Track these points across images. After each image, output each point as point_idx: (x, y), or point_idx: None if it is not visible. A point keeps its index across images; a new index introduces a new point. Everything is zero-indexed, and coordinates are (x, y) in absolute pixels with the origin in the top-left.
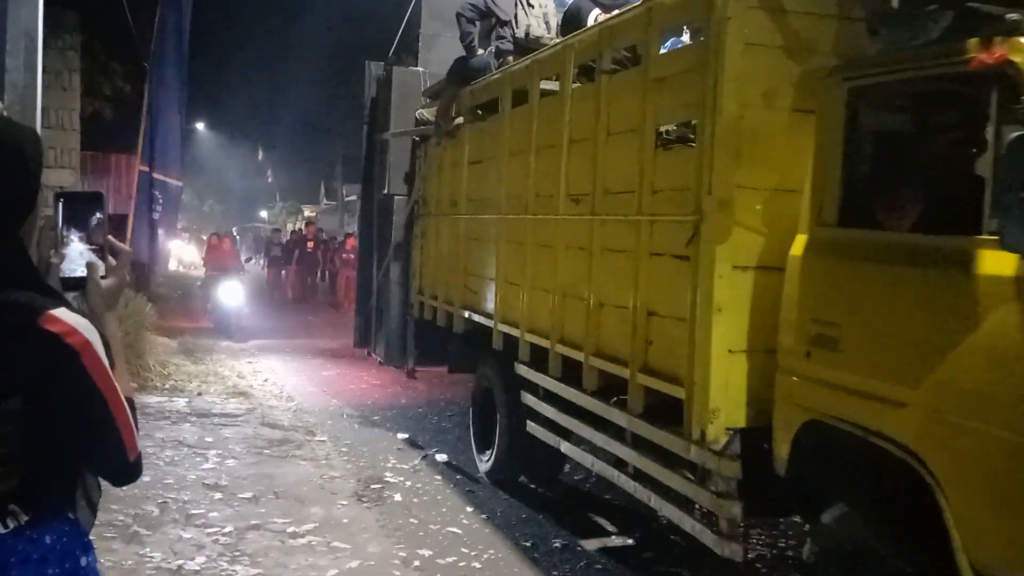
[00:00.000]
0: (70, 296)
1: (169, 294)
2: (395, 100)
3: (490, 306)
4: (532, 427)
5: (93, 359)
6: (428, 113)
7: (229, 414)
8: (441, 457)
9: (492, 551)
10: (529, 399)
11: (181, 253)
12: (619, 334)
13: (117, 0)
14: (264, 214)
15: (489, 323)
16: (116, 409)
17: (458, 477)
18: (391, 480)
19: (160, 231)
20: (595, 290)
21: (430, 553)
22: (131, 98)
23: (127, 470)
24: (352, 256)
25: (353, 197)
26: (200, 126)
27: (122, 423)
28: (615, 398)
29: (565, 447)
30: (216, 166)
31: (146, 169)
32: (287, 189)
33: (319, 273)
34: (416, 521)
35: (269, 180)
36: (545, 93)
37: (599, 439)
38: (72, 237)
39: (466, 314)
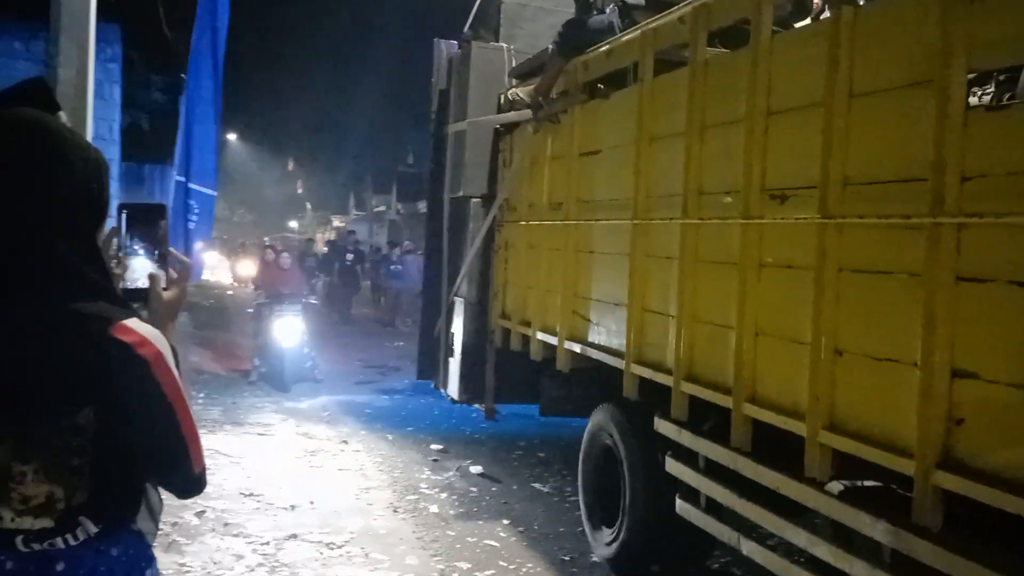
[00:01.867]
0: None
1: (200, 303)
2: (474, 82)
3: (616, 340)
4: (684, 508)
5: (164, 370)
6: (523, 93)
7: (264, 423)
8: (476, 469)
9: (530, 564)
10: (681, 470)
11: (237, 268)
12: (882, 401)
13: (154, 13)
14: (294, 224)
15: (615, 362)
16: (185, 421)
17: (493, 489)
18: (426, 491)
19: (199, 242)
20: (828, 331)
21: (468, 566)
22: (167, 109)
23: (193, 483)
24: (401, 267)
25: (382, 208)
26: (231, 136)
27: (190, 435)
28: (842, 485)
29: (750, 549)
30: (247, 176)
31: (182, 179)
32: (317, 199)
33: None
34: (453, 533)
35: (299, 191)
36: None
37: (822, 549)
38: (134, 248)
39: (576, 348)
